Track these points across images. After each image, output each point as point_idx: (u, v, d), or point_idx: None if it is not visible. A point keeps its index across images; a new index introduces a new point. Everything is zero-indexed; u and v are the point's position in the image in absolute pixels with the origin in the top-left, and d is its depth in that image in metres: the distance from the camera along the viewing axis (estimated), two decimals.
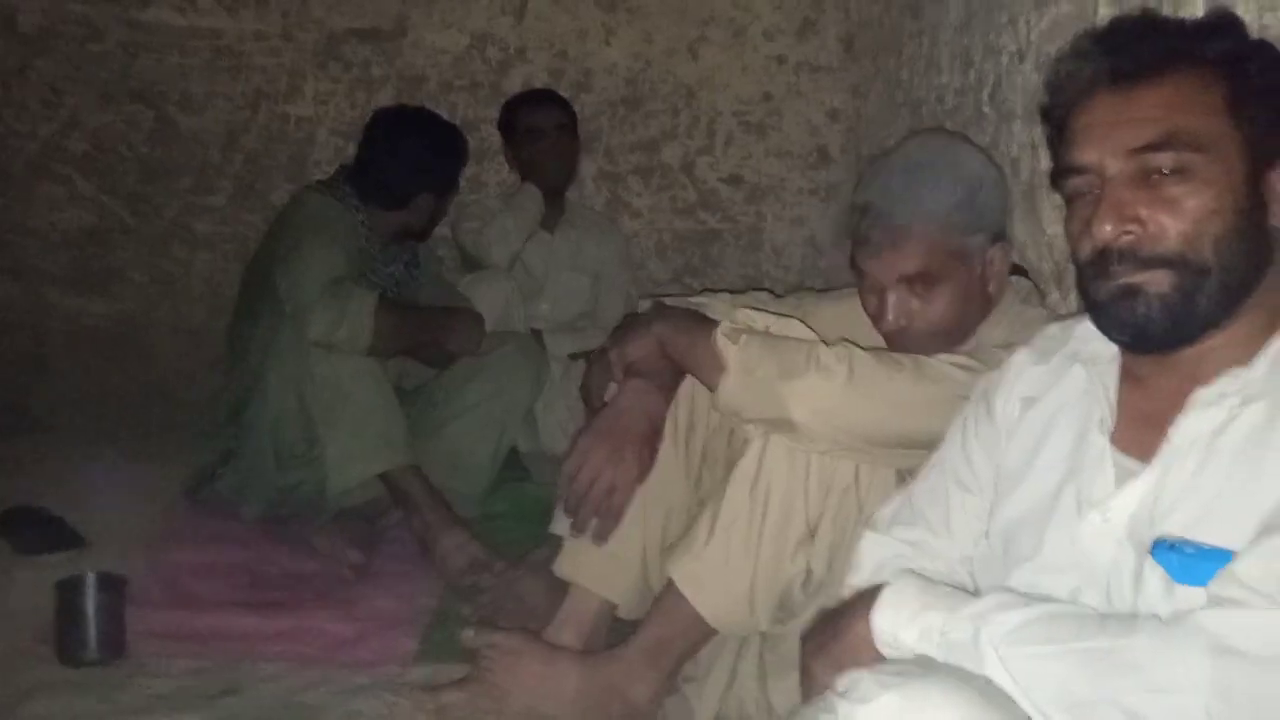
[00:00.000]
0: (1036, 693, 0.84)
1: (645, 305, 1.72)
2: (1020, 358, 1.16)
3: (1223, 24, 0.98)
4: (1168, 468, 0.94)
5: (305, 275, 2.13)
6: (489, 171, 3.25)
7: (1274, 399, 0.90)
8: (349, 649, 1.80)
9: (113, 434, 2.83)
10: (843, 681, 0.88)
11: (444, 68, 3.25)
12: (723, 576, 1.46)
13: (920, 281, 1.46)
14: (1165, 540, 0.91)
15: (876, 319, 1.52)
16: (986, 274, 1.50)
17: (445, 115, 2.86)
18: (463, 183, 2.69)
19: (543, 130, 2.87)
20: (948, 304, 1.48)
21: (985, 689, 0.85)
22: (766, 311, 1.57)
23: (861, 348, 1.46)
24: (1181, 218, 0.92)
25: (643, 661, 1.53)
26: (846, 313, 1.72)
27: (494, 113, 3.07)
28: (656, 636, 1.53)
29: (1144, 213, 0.93)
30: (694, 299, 1.74)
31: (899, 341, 1.51)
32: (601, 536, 1.60)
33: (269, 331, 2.21)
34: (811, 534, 1.45)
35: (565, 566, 1.69)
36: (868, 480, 1.45)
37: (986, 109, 2.04)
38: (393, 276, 2.43)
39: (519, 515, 2.35)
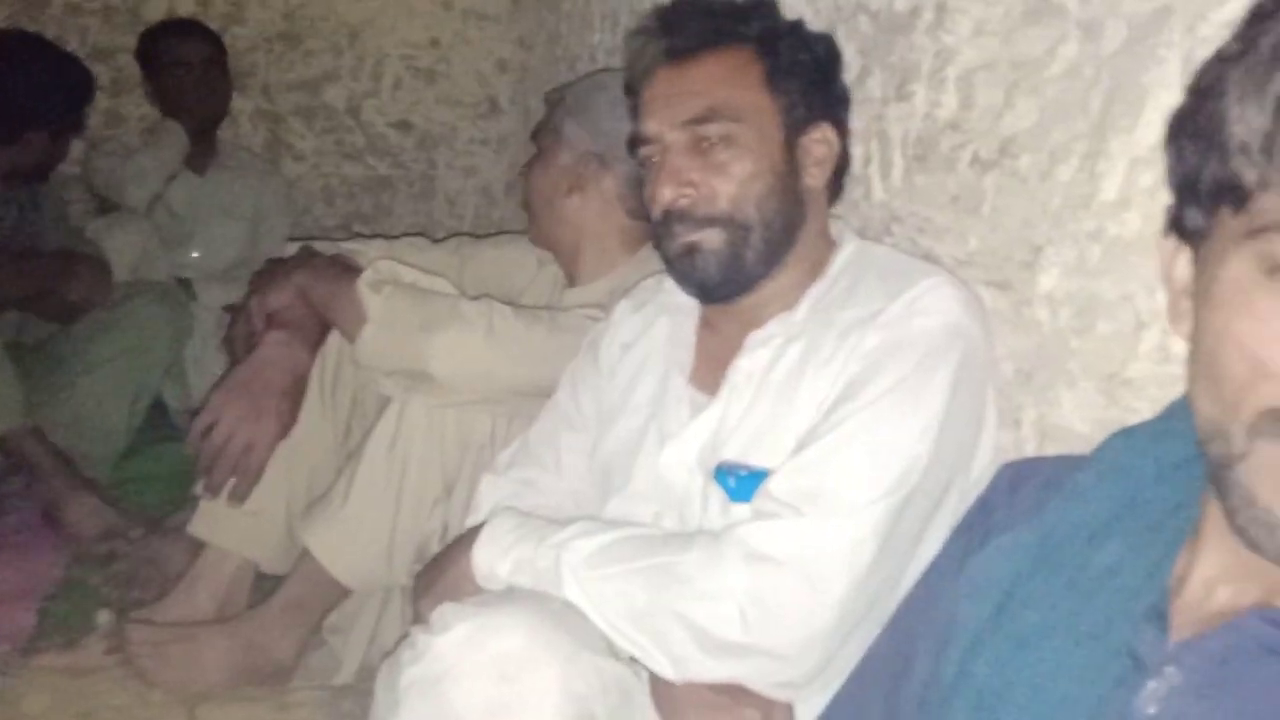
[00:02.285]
0: (605, 608, 0.93)
1: (292, 250, 1.67)
2: (622, 306, 1.25)
3: (760, 7, 1.10)
4: (729, 402, 1.06)
5: None
6: (129, 106, 2.96)
7: (810, 339, 1.03)
8: None
9: None
10: (433, 615, 0.92)
11: None
12: (359, 539, 1.47)
13: None
14: (724, 465, 1.03)
15: None
16: None
17: (73, 42, 2.61)
18: (91, 118, 2.44)
19: (188, 63, 2.63)
20: None
21: (563, 612, 0.93)
22: (414, 267, 1.57)
23: (518, 297, 1.48)
24: (729, 181, 1.04)
25: (283, 619, 1.52)
26: (507, 255, 1.76)
27: (132, 41, 2.78)
28: (296, 596, 1.52)
29: (697, 177, 1.04)
30: (346, 245, 1.69)
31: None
32: (238, 497, 1.54)
33: None
34: (448, 491, 1.48)
35: (201, 527, 1.62)
36: (503, 437, 1.49)
37: None
38: (4, 220, 2.18)
39: (164, 477, 2.21)
